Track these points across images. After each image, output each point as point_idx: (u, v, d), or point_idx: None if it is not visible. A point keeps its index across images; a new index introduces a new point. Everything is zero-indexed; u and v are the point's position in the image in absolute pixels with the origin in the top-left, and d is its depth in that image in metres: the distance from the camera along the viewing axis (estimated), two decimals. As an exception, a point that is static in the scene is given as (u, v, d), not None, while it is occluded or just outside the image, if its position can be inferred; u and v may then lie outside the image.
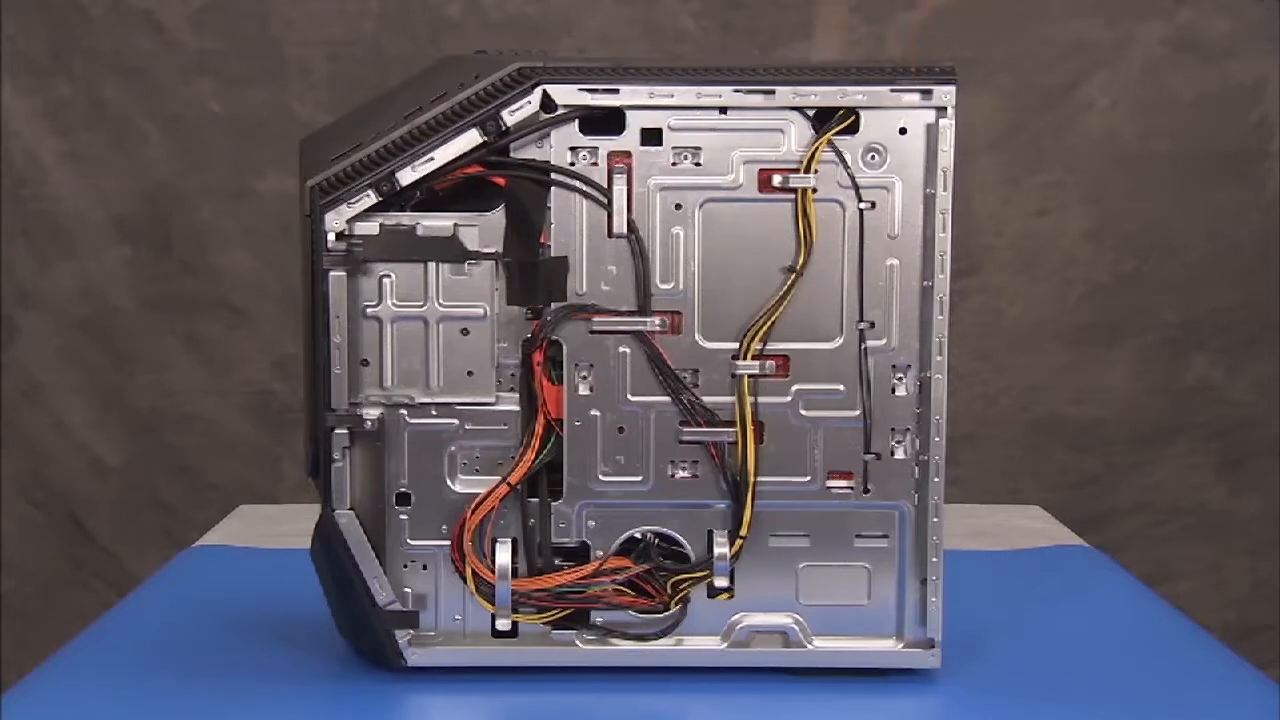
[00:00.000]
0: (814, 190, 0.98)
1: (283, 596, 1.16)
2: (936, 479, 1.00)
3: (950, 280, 0.99)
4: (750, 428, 0.99)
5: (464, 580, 1.01)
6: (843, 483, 1.01)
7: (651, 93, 0.98)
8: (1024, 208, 2.03)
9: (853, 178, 0.98)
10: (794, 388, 1.00)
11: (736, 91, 0.98)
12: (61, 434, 2.09)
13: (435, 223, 0.99)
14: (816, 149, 0.98)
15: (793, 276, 0.99)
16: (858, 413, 1.00)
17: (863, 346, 1.00)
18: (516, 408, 1.00)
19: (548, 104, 0.97)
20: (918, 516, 1.01)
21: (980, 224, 2.00)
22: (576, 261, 0.99)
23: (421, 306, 0.99)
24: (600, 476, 1.00)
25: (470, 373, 1.00)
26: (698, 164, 0.99)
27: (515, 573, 1.00)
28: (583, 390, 1.00)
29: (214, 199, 2.03)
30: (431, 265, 0.99)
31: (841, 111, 0.98)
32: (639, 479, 1.01)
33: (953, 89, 0.98)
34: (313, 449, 1.00)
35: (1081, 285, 2.05)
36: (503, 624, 1.01)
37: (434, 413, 1.00)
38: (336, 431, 0.99)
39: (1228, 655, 1.11)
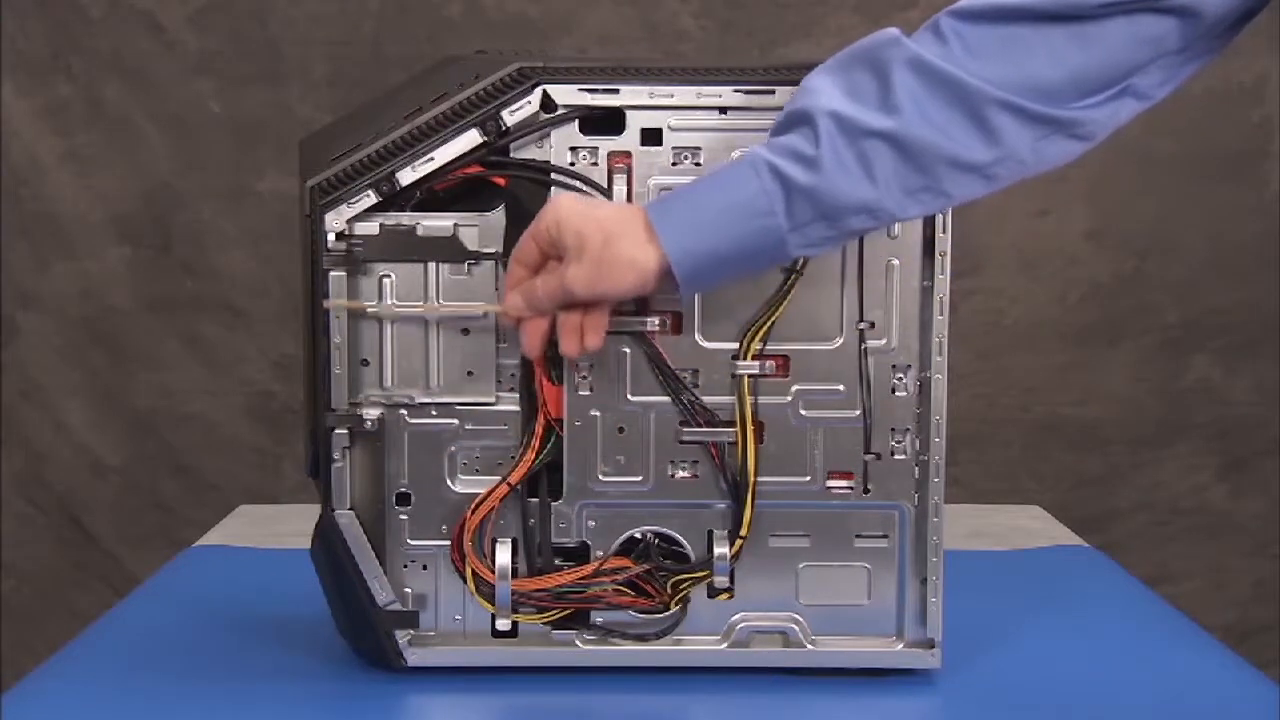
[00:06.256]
0: (814, 190, 0.98)
1: (283, 596, 1.16)
2: (936, 479, 1.00)
3: (950, 280, 0.99)
4: (750, 428, 0.99)
5: (464, 580, 1.01)
6: (843, 483, 1.01)
7: (651, 93, 0.97)
8: (1024, 207, 2.03)
9: (853, 178, 0.98)
10: (794, 388, 1.00)
11: (736, 91, 0.98)
12: (61, 434, 2.09)
13: (435, 223, 0.98)
14: (816, 149, 0.98)
15: (793, 276, 0.99)
16: (858, 413, 1.00)
17: (863, 346, 1.00)
18: (516, 408, 1.00)
19: (548, 104, 0.97)
20: (918, 516, 1.01)
21: (980, 224, 2.00)
22: (576, 261, 0.99)
23: (421, 306, 0.99)
24: (600, 476, 1.00)
25: (470, 373, 1.00)
26: (698, 164, 0.98)
27: (515, 573, 1.00)
28: (583, 390, 1.00)
29: (214, 199, 2.03)
30: (431, 265, 0.99)
31: (841, 111, 0.97)
32: (639, 479, 1.01)
33: (953, 89, 0.97)
34: (313, 449, 1.00)
35: (1082, 285, 2.05)
36: (503, 624, 1.01)
37: (434, 413, 1.00)
38: (336, 431, 0.99)
39: (1228, 655, 1.10)
